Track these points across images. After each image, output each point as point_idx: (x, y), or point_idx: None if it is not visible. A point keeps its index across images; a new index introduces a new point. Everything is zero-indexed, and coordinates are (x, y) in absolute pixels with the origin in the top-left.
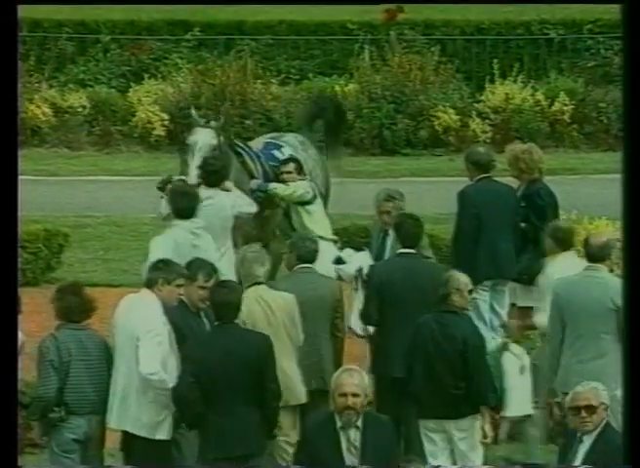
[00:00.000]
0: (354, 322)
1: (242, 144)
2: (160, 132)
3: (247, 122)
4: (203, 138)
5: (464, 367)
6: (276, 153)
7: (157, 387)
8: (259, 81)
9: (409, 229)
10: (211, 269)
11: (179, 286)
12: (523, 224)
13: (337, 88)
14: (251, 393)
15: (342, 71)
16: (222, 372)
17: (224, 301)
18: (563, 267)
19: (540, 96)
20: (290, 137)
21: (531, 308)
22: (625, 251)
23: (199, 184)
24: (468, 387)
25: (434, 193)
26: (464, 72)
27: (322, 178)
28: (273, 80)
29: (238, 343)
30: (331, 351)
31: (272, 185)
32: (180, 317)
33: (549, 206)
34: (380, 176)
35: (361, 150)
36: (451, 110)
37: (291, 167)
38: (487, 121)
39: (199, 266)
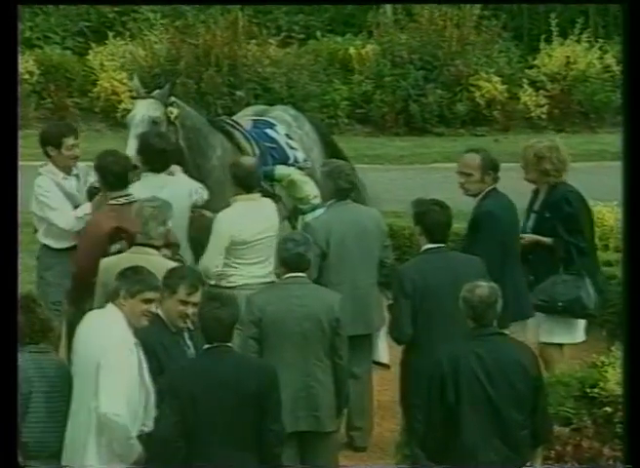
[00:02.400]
0: (381, 348)
1: (232, 121)
2: (128, 105)
3: (238, 93)
4: (142, 111)
5: (530, 399)
6: (270, 132)
7: (118, 434)
8: (252, 41)
9: (436, 219)
10: (196, 280)
11: (146, 301)
12: (549, 240)
13: (351, 50)
14: (247, 435)
15: (359, 29)
16: (212, 409)
17: (214, 317)
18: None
19: (609, 59)
20: (279, 111)
21: (560, 345)
22: (626, 241)
23: (136, 168)
24: (535, 424)
25: None
26: (513, 30)
27: (321, 162)
28: (271, 40)
29: (233, 372)
30: (329, 382)
31: (280, 167)
32: (155, 339)
33: (582, 214)
34: (407, 162)
35: (382, 129)
36: (496, 78)
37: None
38: (542, 92)
39: (181, 275)
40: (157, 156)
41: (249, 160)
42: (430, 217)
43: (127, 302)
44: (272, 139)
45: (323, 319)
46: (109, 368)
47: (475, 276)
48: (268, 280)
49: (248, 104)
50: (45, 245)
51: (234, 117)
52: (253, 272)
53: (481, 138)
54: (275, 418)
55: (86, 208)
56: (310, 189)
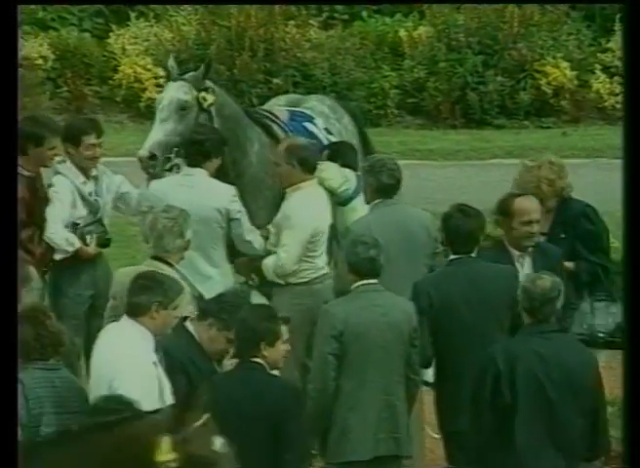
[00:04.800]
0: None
1: (269, 113)
2: (153, 94)
3: (275, 81)
4: (170, 93)
5: (594, 407)
6: (309, 126)
7: None
8: (291, 23)
9: (458, 227)
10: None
11: (176, 308)
12: (571, 264)
13: (402, 33)
14: (263, 461)
15: (410, 9)
16: (227, 432)
17: (240, 331)
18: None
19: None
20: (315, 102)
21: None
22: (626, 245)
23: (152, 158)
24: (595, 436)
25: None
26: (584, 8)
27: (361, 157)
28: (312, 21)
29: (251, 391)
30: (405, 400)
31: None
32: (183, 354)
33: (604, 230)
34: (463, 157)
35: (436, 121)
36: (564, 63)
37: (324, 155)
38: (616, 78)
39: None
40: (194, 148)
41: (302, 139)
42: (452, 225)
43: (159, 315)
44: (311, 134)
45: (404, 329)
46: (123, 391)
47: (505, 289)
48: (326, 271)
49: (286, 93)
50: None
51: (264, 107)
52: (318, 264)
53: (547, 131)
54: (290, 446)
55: (76, 242)
56: (333, 181)
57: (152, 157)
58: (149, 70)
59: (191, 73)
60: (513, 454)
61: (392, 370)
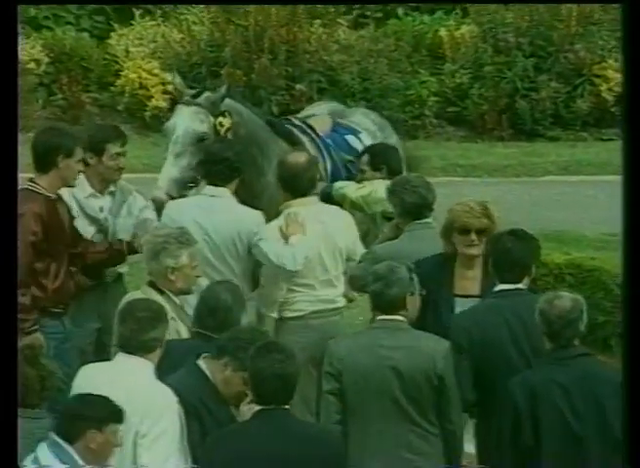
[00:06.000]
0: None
1: (302, 123)
2: (160, 102)
3: (298, 87)
4: (184, 122)
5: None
6: (352, 140)
7: None
8: (316, 22)
9: (510, 250)
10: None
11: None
12: None
13: (442, 32)
14: None
15: (451, 6)
16: None
17: (272, 374)
18: None
19: None
20: (361, 116)
21: None
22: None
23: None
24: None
25: (599, 200)
26: None
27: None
28: (340, 20)
29: (291, 442)
30: (438, 454)
31: (339, 184)
32: (196, 397)
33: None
34: (512, 174)
35: (481, 132)
36: None
37: (364, 161)
38: None
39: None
40: (222, 166)
41: (296, 157)
42: (500, 249)
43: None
44: (352, 150)
45: (417, 376)
46: (155, 437)
47: None
48: (340, 305)
49: (310, 100)
50: None
51: (304, 112)
52: (319, 295)
53: (608, 144)
54: None
55: None
56: (378, 191)
57: (170, 198)
58: (156, 75)
59: (206, 95)
60: None
61: (404, 420)
